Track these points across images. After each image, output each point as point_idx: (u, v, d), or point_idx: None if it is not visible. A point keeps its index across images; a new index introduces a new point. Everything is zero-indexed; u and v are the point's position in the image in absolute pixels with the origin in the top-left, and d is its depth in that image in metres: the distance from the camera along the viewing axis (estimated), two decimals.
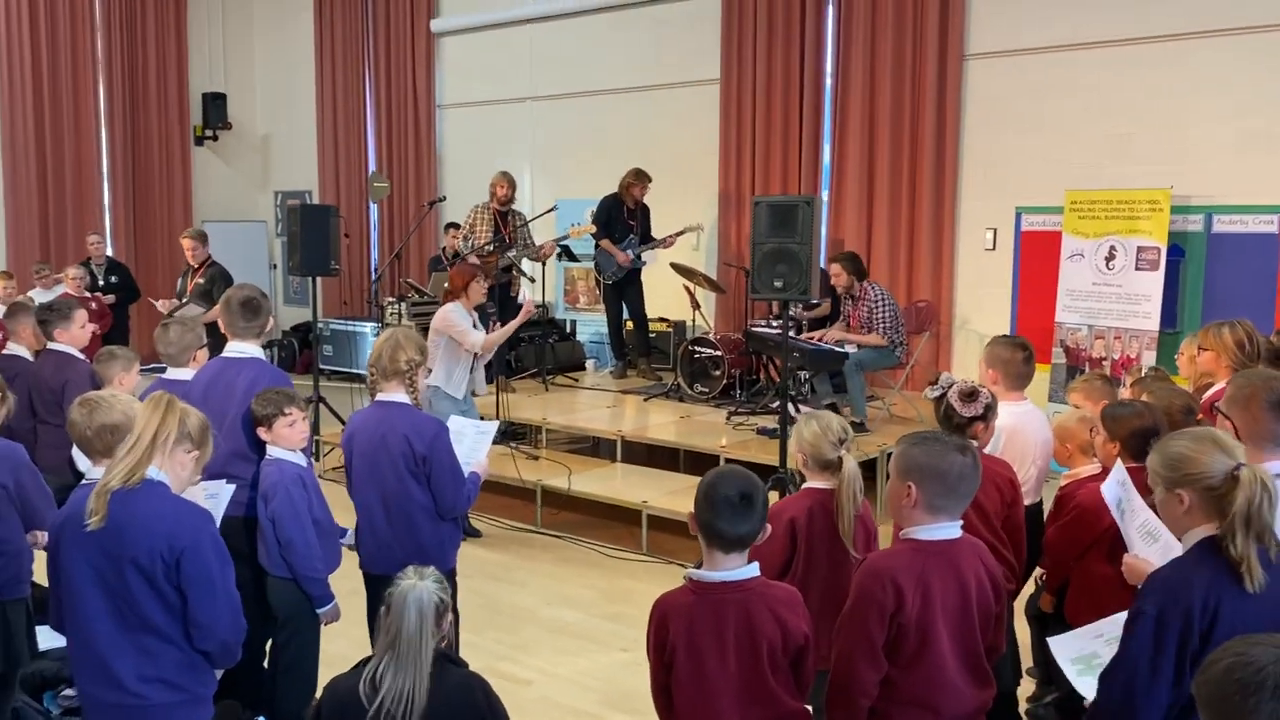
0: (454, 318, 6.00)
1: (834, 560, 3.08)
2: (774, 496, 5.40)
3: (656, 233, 8.90)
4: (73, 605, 2.60)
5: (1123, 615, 2.70)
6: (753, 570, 2.50)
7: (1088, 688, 2.61)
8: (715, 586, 2.46)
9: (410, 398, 3.69)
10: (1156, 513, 2.81)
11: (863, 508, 3.15)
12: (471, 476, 3.78)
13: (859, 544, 3.08)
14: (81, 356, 5.01)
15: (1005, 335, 4.17)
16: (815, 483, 3.16)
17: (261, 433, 3.54)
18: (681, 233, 8.80)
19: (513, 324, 6.27)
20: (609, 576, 5.81)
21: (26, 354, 5.33)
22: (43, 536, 3.52)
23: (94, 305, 8.75)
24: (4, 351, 5.50)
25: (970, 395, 3.28)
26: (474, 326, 6.09)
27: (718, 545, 2.47)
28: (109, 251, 11.67)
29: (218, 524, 2.81)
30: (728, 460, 6.40)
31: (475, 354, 6.08)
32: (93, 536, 2.52)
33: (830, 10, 8.86)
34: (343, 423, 7.98)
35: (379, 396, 3.72)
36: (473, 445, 3.91)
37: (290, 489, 3.43)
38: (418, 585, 2.38)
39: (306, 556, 3.45)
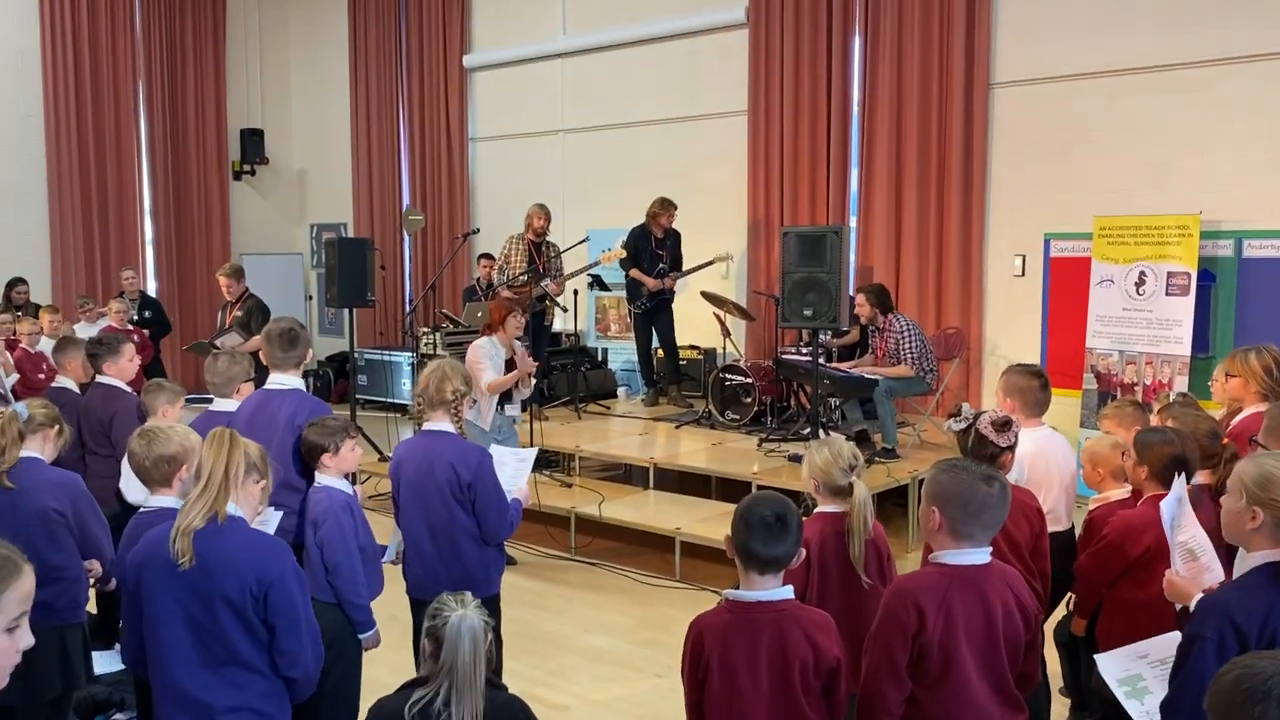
0: (479, 354, 6.08)
1: (846, 584, 3.12)
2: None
3: (688, 261, 9.00)
4: (157, 643, 2.68)
5: (1167, 637, 2.73)
6: (787, 592, 2.58)
7: (1137, 711, 2.64)
8: (750, 606, 2.55)
9: (455, 427, 3.80)
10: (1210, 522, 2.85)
11: (874, 532, 3.19)
12: (514, 503, 3.88)
13: (870, 569, 3.13)
14: (128, 389, 5.14)
15: (1020, 364, 4.24)
16: (826, 507, 3.21)
17: (326, 459, 3.64)
18: (710, 262, 8.90)
19: (510, 376, 6.17)
20: (643, 603, 5.86)
21: (74, 387, 5.49)
22: (98, 566, 3.64)
23: (136, 338, 8.95)
24: (53, 384, 5.67)
25: (1004, 424, 3.33)
26: (510, 358, 6.20)
27: (753, 566, 2.55)
28: (150, 284, 11.97)
29: None
30: (760, 487, 6.45)
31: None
32: (182, 576, 2.61)
33: (856, 41, 8.97)
34: (379, 452, 8.11)
35: (425, 426, 3.82)
36: (514, 473, 4.01)
37: (340, 516, 3.53)
38: (467, 615, 2.45)
39: (352, 582, 3.54)
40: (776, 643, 2.49)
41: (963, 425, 3.36)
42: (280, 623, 2.66)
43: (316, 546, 3.52)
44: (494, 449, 4.09)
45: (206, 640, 2.64)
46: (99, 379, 5.15)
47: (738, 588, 2.61)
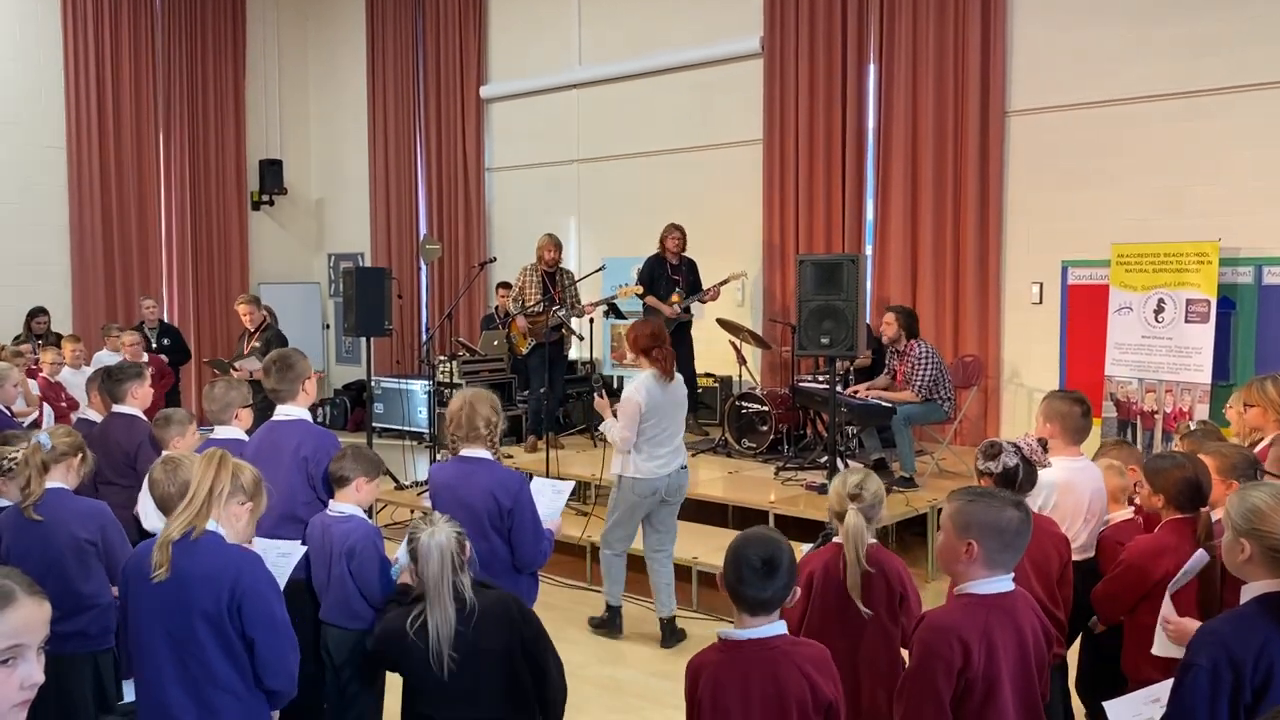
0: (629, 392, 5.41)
1: (846, 616, 3.08)
2: None
3: (705, 285, 9.01)
4: (140, 659, 2.70)
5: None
6: (780, 628, 2.52)
7: None
8: (742, 645, 2.50)
9: (492, 453, 3.79)
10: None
11: (889, 566, 3.15)
12: (546, 533, 3.86)
13: (877, 601, 3.06)
14: (145, 418, 5.12)
15: (1061, 390, 4.22)
16: (839, 538, 3.20)
17: (357, 485, 3.62)
18: (725, 282, 8.88)
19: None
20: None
21: (98, 418, 5.48)
22: None
23: (152, 368, 8.98)
24: (78, 415, 5.69)
25: (1044, 446, 3.34)
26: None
27: (744, 607, 2.51)
28: (166, 314, 12.05)
29: (283, 585, 2.93)
30: (778, 517, 6.42)
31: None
32: (159, 591, 2.63)
33: (871, 69, 9.01)
34: (396, 480, 8.11)
35: (462, 452, 3.81)
36: (550, 504, 4.00)
37: (378, 547, 3.51)
38: (435, 533, 2.83)
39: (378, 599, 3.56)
40: (771, 683, 2.43)
41: (1008, 465, 3.26)
42: (259, 634, 2.67)
43: (350, 575, 3.48)
44: (535, 480, 4.06)
45: (185, 659, 2.65)
46: (118, 408, 5.07)
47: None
